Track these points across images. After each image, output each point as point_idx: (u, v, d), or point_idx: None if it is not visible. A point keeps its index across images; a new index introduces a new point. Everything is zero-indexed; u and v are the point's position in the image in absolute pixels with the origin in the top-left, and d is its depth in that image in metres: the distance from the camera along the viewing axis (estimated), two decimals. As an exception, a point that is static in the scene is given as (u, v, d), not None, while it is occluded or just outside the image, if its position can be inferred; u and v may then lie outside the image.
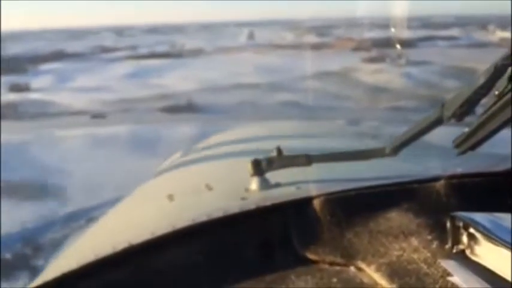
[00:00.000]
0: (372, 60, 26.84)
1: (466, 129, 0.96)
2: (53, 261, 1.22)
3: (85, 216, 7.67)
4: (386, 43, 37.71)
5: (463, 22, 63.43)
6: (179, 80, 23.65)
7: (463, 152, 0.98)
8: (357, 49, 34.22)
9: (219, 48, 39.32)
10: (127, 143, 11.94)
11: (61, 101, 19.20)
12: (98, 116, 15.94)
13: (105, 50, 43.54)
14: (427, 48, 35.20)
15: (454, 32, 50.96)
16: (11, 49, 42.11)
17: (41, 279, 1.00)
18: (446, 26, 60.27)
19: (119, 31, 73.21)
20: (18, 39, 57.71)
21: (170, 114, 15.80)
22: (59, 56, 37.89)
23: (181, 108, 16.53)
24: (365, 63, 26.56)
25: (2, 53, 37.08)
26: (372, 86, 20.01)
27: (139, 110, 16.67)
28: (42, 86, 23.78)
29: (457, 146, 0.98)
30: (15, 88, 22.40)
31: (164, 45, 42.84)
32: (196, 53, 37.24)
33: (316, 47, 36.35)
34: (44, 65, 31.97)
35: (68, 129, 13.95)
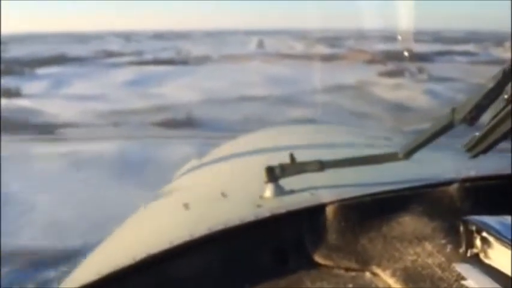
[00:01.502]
0: (389, 74, 24.81)
1: (477, 134, 0.94)
2: (74, 273, 1.18)
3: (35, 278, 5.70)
4: (402, 56, 35.85)
5: (475, 38, 61.30)
6: (181, 89, 21.71)
7: (475, 156, 0.96)
8: (370, 62, 32.24)
9: (226, 56, 37.42)
10: (111, 166, 9.96)
11: (50, 111, 17.25)
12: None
13: (109, 54, 41.81)
14: (445, 64, 33.16)
15: (469, 47, 48.96)
16: (12, 51, 40.51)
17: None
18: (458, 41, 58.24)
19: (127, 36, 71.62)
20: (21, 41, 56.17)
21: (166, 130, 13.79)
22: (60, 59, 36.14)
23: (180, 122, 14.51)
24: (382, 77, 24.52)
25: (2, 55, 35.57)
26: (394, 104, 17.97)
27: (133, 123, 14.67)
28: (34, 92, 21.87)
29: (469, 149, 0.97)
30: (5, 94, 20.48)
31: (169, 52, 41.02)
32: (202, 60, 35.34)
33: (328, 58, 34.40)
34: (42, 69, 30.15)
35: (47, 145, 12.03)
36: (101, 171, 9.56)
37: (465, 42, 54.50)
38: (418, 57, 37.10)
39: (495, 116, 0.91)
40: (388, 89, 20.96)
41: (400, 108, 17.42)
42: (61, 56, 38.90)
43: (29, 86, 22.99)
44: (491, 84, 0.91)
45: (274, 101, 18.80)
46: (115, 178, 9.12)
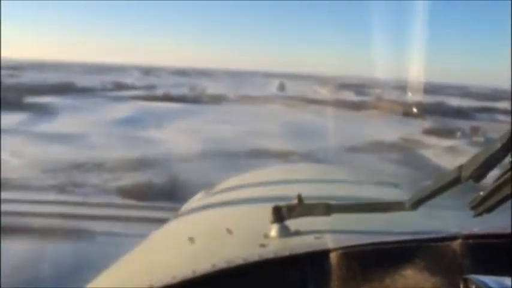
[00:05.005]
0: (437, 133, 19.55)
1: (481, 193, 0.93)
2: None
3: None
4: (441, 110, 30.76)
5: (502, 96, 56.02)
6: (181, 134, 16.73)
7: (479, 214, 0.96)
8: (407, 114, 27.21)
9: (243, 97, 32.64)
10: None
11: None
12: None
13: (120, 87, 37.51)
14: (490, 123, 27.86)
15: (504, 105, 43.79)
16: (19, 78, 36.51)
17: None
18: (487, 97, 53.07)
19: (147, 70, 68.31)
20: (38, 68, 52.67)
21: (132, 202, 8.70)
22: (63, 89, 31.75)
23: (156, 191, 9.37)
24: (429, 136, 19.24)
25: (4, 81, 31.64)
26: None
27: (89, 187, 9.65)
28: (3, 127, 17.15)
29: (473, 208, 0.96)
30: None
31: (183, 88, 36.46)
32: (216, 99, 30.52)
33: (356, 106, 29.45)
34: (35, 98, 25.65)
35: None
36: None
37: (494, 100, 49.39)
38: (458, 113, 32.13)
39: (500, 177, 0.89)
40: (442, 154, 15.64)
41: (468, 186, 12.07)
42: (67, 85, 34.57)
43: (4, 119, 18.30)
44: (499, 144, 0.88)
45: (296, 160, 13.64)
46: None
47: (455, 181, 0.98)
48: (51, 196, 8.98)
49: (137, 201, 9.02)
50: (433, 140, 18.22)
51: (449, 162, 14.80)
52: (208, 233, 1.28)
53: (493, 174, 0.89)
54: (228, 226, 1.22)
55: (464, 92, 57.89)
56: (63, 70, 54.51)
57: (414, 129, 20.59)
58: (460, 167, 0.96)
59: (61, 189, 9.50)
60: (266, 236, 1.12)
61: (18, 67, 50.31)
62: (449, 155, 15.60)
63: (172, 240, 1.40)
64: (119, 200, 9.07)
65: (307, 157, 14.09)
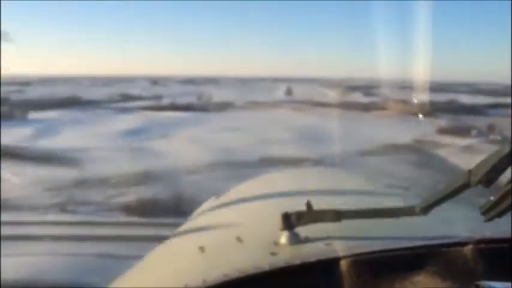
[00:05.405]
0: (451, 132, 18.84)
1: (492, 197, 0.93)
2: None
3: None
4: (452, 108, 29.97)
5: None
6: (187, 144, 16.19)
7: (490, 219, 0.96)
8: (418, 115, 26.54)
9: (251, 103, 32.08)
10: None
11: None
12: None
13: (127, 98, 37.19)
14: (505, 119, 27.07)
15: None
16: (23, 94, 36.33)
17: None
18: (498, 93, 52.01)
19: (155, 80, 68.15)
20: (45, 83, 52.66)
21: (135, 220, 8.16)
22: (69, 103, 31.46)
23: (161, 207, 8.82)
24: (444, 136, 18.53)
25: (13, 97, 31.56)
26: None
27: (92, 204, 9.11)
28: (5, 143, 16.74)
29: (484, 212, 0.95)
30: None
31: (191, 96, 36.02)
32: (224, 106, 29.98)
33: (366, 108, 28.79)
34: (40, 114, 25.33)
35: None
36: None
37: (506, 95, 48.40)
38: (471, 111, 31.31)
39: (511, 181, 0.87)
40: (460, 154, 14.96)
41: (480, 191, 11.36)
42: (73, 99, 34.26)
43: (7, 135, 17.91)
44: (508, 148, 0.87)
45: (308, 167, 13.02)
46: None
47: (465, 186, 0.96)
48: (50, 217, 8.46)
49: (139, 217, 8.46)
50: (448, 140, 17.50)
51: (468, 163, 14.10)
52: (219, 241, 1.27)
53: (506, 177, 0.86)
54: (238, 234, 1.21)
55: (473, 89, 56.92)
56: (70, 84, 54.42)
57: (427, 129, 19.89)
58: (470, 172, 0.94)
59: (62, 208, 8.97)
60: (276, 243, 1.11)
61: (26, 83, 50.36)
62: (467, 154, 14.90)
63: (182, 249, 1.38)
64: (121, 217, 8.52)
65: (321, 164, 13.46)
